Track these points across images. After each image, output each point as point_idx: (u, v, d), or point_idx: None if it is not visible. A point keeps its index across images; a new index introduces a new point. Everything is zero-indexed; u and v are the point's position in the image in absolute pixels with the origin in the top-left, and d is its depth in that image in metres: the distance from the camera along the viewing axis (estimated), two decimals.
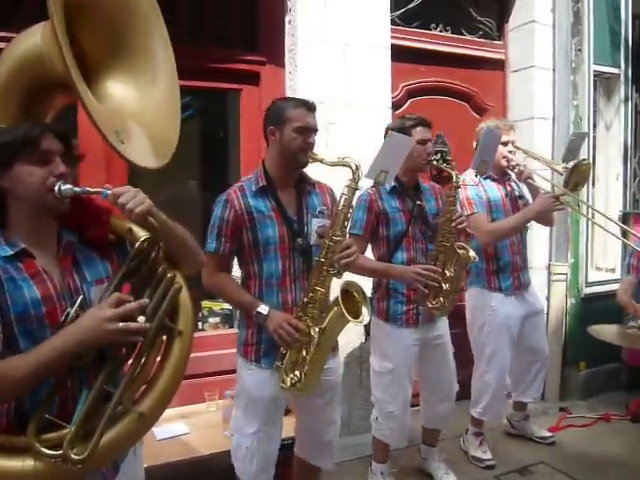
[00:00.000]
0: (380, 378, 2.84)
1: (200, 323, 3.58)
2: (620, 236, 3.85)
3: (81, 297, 1.34)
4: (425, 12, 3.87)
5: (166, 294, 1.37)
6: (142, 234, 1.41)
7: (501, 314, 3.19)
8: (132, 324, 1.27)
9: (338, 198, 2.12)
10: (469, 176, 3.15)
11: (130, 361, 1.35)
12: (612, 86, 4.54)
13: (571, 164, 3.12)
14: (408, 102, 3.83)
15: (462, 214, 2.69)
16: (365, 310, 2.04)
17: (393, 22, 3.63)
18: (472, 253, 2.70)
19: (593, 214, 4.08)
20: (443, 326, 2.88)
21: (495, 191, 3.20)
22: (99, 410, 1.27)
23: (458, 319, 3.36)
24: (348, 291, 2.05)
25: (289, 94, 3.29)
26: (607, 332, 3.10)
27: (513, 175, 3.25)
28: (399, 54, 3.61)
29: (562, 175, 3.15)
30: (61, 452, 1.21)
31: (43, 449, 1.21)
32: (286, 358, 2.08)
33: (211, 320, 3.52)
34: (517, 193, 3.27)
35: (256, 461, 2.18)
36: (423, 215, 2.75)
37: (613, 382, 4.39)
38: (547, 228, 3.91)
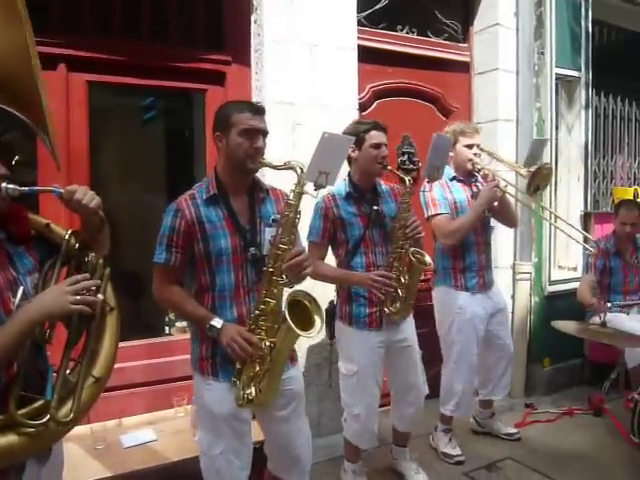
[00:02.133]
0: (346, 380, 2.84)
1: (167, 327, 3.52)
2: (580, 237, 3.96)
3: (22, 287, 1.51)
4: (391, 13, 3.89)
5: (102, 276, 1.59)
6: (62, 229, 1.64)
7: (468, 312, 3.24)
8: (89, 297, 1.49)
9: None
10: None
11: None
12: (573, 89, 4.64)
13: (533, 168, 3.21)
14: (375, 103, 3.85)
15: (416, 220, 2.68)
16: (318, 320, 1.95)
17: (360, 23, 3.64)
18: (428, 259, 2.71)
19: (556, 219, 4.18)
20: (408, 328, 2.89)
21: (461, 192, 3.26)
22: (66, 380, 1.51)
23: (426, 318, 3.39)
24: (299, 301, 1.98)
25: (255, 94, 3.27)
26: (570, 327, 3.18)
27: (479, 177, 3.30)
28: (366, 55, 3.62)
29: (525, 178, 3.23)
30: (49, 417, 1.43)
31: (29, 421, 1.42)
32: (242, 373, 1.99)
33: (178, 324, 3.46)
34: None
35: None
36: (381, 219, 2.76)
37: (576, 378, 4.50)
38: (512, 229, 3.98)
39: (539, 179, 3.20)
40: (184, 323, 3.40)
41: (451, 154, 3.23)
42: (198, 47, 3.24)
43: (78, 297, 1.46)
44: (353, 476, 2.99)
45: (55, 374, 1.51)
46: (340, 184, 2.78)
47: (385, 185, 2.88)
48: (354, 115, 3.44)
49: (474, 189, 3.30)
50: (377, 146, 2.68)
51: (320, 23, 3.33)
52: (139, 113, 4.73)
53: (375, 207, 2.73)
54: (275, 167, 2.04)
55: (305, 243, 2.57)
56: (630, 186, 5.32)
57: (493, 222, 3.48)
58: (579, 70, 4.56)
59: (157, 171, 4.55)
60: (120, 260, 3.84)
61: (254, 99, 3.24)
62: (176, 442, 2.69)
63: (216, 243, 2.04)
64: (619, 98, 5.36)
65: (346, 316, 2.81)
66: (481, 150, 3.31)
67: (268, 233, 2.09)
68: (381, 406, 3.10)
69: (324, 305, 2.68)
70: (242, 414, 2.11)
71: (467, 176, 3.29)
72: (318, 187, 2.05)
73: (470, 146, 3.23)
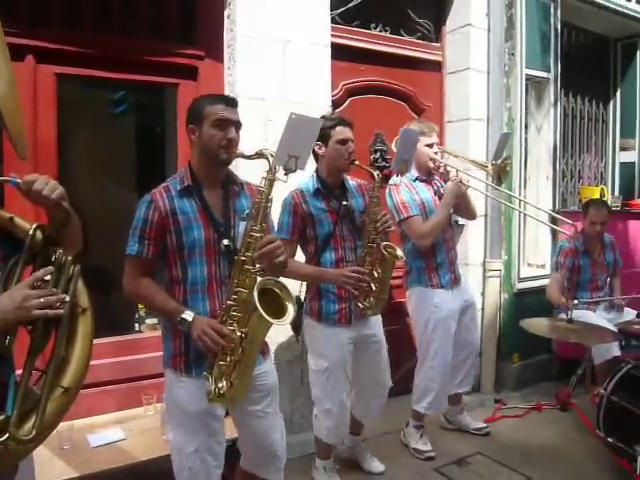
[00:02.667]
0: (317, 376, 2.85)
1: (137, 324, 3.47)
2: (550, 230, 4.04)
3: None
4: (365, 12, 3.90)
5: (71, 275, 1.46)
6: (27, 223, 1.49)
7: (443, 310, 3.29)
8: (53, 297, 1.36)
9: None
10: (405, 178, 3.25)
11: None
12: (542, 89, 4.72)
13: (499, 162, 3.31)
14: (348, 101, 3.85)
15: (386, 214, 2.70)
16: (290, 306, 1.91)
17: (333, 20, 3.63)
18: (399, 252, 2.73)
19: (524, 213, 4.25)
20: (376, 324, 2.92)
21: (426, 192, 3.33)
22: (30, 392, 1.37)
23: (398, 316, 3.42)
24: (270, 289, 1.93)
25: (228, 90, 3.24)
26: (538, 325, 3.23)
27: (436, 175, 3.38)
28: (339, 52, 3.62)
29: (489, 173, 3.35)
30: (8, 436, 1.28)
31: None
32: (214, 367, 1.95)
33: (148, 321, 3.41)
34: (442, 191, 3.37)
35: None
36: (350, 214, 2.77)
37: (544, 373, 4.58)
38: (482, 227, 4.04)
39: (499, 170, 3.30)
40: (154, 320, 3.37)
41: None
42: (170, 41, 3.20)
43: (41, 300, 1.33)
44: (324, 473, 3.00)
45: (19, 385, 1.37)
46: (308, 180, 2.79)
47: (352, 181, 2.90)
48: (327, 111, 3.43)
49: (435, 187, 3.37)
50: (343, 142, 2.71)
51: (293, 20, 3.32)
52: (110, 106, 4.68)
53: (345, 202, 2.75)
54: (247, 157, 2.02)
55: None
56: (597, 185, 5.45)
57: (464, 220, 3.52)
58: (548, 71, 4.63)
59: (127, 165, 4.49)
60: (88, 255, 3.77)
61: (227, 94, 3.21)
62: (145, 441, 2.66)
63: (189, 235, 2.02)
64: (587, 99, 5.49)
65: (315, 312, 2.82)
66: (441, 149, 3.42)
67: (242, 227, 2.07)
68: None
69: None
70: (216, 411, 2.09)
71: (428, 175, 3.37)
72: (288, 171, 2.00)
73: (431, 145, 3.30)
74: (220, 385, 1.93)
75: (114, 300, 3.57)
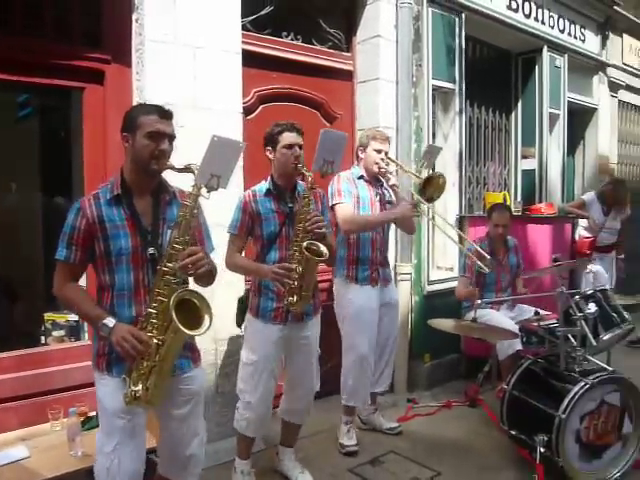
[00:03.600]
0: (245, 369, 2.94)
1: (43, 337, 3.34)
2: (457, 238, 4.22)
3: None
4: (276, 20, 3.94)
5: None
6: None
7: (357, 305, 3.40)
8: None
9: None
10: (347, 173, 3.47)
11: None
12: (448, 100, 4.94)
13: (427, 173, 3.50)
14: (260, 107, 3.87)
15: (317, 214, 2.75)
16: (207, 318, 1.99)
17: (245, 28, 3.64)
18: (323, 250, 2.75)
19: (434, 220, 4.41)
20: (312, 327, 2.98)
21: (365, 190, 3.48)
22: None
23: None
24: (189, 300, 2.00)
25: (136, 95, 3.18)
26: (445, 324, 3.38)
27: (385, 182, 3.51)
28: (250, 60, 3.63)
29: (419, 185, 3.49)
30: None
31: None
32: (132, 371, 2.01)
33: (55, 333, 3.29)
34: (387, 198, 3.55)
35: None
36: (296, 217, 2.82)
37: (454, 372, 4.78)
38: (393, 232, 4.16)
39: (434, 187, 3.42)
40: (62, 332, 3.26)
41: (362, 156, 3.51)
42: (75, 44, 3.10)
43: None
44: (242, 476, 3.01)
45: None
46: (264, 182, 2.93)
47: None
48: (238, 118, 3.45)
49: (379, 191, 3.52)
50: (289, 147, 2.82)
51: (204, 26, 3.30)
52: (13, 110, 4.50)
53: (290, 205, 2.85)
54: (177, 170, 2.09)
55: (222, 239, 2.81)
56: (500, 191, 5.75)
57: None
58: (454, 82, 4.86)
59: (31, 169, 4.31)
60: None
61: (135, 100, 3.16)
62: (51, 458, 2.58)
63: (116, 243, 2.07)
64: (490, 109, 5.78)
65: (254, 308, 2.92)
66: (389, 159, 3.57)
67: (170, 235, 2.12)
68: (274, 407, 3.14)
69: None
70: (135, 413, 2.11)
71: (373, 178, 3.51)
72: (210, 189, 2.08)
73: (379, 151, 3.46)
74: (136, 389, 1.98)
75: (17, 311, 3.42)
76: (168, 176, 2.22)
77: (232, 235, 2.90)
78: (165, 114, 2.12)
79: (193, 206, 2.04)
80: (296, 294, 2.72)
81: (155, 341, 1.97)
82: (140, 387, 1.98)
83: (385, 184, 3.52)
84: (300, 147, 2.84)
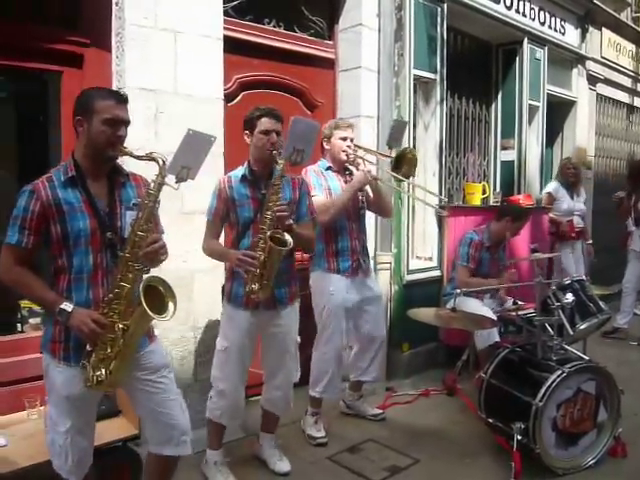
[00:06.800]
0: (218, 356, 2.94)
1: (19, 324, 3.29)
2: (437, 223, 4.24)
3: None
4: (258, 6, 3.90)
5: None
6: None
7: (339, 297, 3.38)
8: None
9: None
10: (314, 166, 3.43)
11: None
12: (430, 90, 4.94)
13: (394, 153, 3.46)
14: (241, 94, 3.84)
15: (283, 203, 2.73)
16: (171, 304, 2.03)
17: (226, 13, 3.60)
18: (287, 239, 2.71)
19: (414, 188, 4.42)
20: (288, 315, 2.96)
21: (335, 181, 3.45)
22: None
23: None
24: (154, 287, 2.03)
25: (116, 79, 3.13)
26: (424, 315, 3.40)
27: (355, 169, 3.45)
28: (232, 46, 3.60)
29: (392, 162, 3.48)
30: None
31: None
32: (92, 356, 2.02)
33: (32, 321, 3.25)
34: None
35: (71, 457, 2.16)
36: None
37: (432, 360, 4.81)
38: (372, 221, 4.17)
39: (406, 164, 3.43)
40: (38, 319, 3.21)
41: (327, 147, 3.46)
42: (53, 26, 3.05)
43: None
44: (215, 467, 2.98)
45: None
46: (241, 167, 2.90)
47: (286, 174, 2.87)
48: (219, 105, 3.42)
49: (348, 179, 3.47)
50: (266, 132, 2.79)
51: (185, 10, 3.25)
52: None
53: (263, 192, 2.80)
54: (137, 157, 2.09)
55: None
56: (480, 182, 5.78)
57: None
58: (435, 72, 4.86)
59: (7, 154, 4.23)
60: None
61: (115, 84, 3.10)
62: (28, 446, 2.56)
63: (74, 225, 2.04)
64: (471, 100, 5.81)
65: (227, 293, 2.92)
66: (355, 146, 3.51)
67: (129, 216, 2.13)
68: (252, 395, 3.14)
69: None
70: (91, 397, 2.17)
71: (341, 168, 3.48)
72: (179, 180, 2.12)
73: (344, 138, 3.42)
74: (98, 373, 2.01)
75: None
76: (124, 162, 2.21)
77: (208, 221, 2.92)
78: (121, 99, 2.10)
79: (157, 194, 2.06)
80: (258, 282, 2.70)
81: (121, 326, 1.99)
82: (103, 371, 2.01)
83: (355, 171, 3.45)
84: (278, 134, 2.81)
